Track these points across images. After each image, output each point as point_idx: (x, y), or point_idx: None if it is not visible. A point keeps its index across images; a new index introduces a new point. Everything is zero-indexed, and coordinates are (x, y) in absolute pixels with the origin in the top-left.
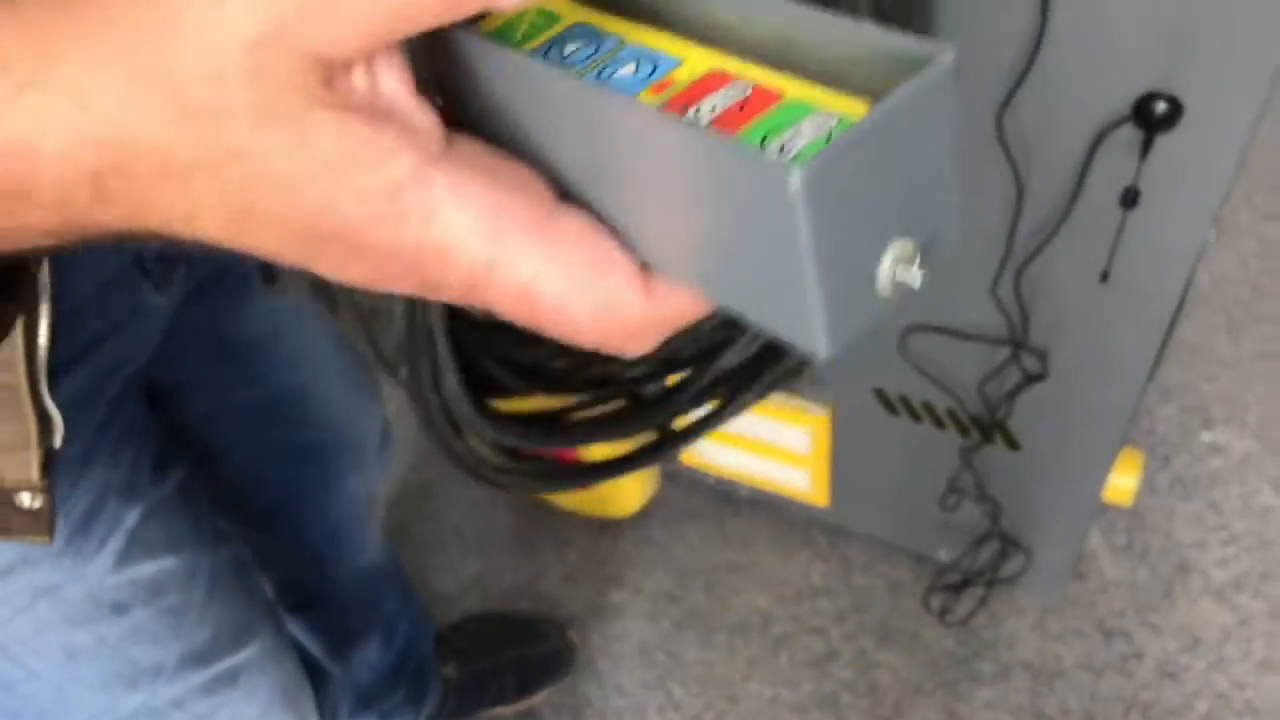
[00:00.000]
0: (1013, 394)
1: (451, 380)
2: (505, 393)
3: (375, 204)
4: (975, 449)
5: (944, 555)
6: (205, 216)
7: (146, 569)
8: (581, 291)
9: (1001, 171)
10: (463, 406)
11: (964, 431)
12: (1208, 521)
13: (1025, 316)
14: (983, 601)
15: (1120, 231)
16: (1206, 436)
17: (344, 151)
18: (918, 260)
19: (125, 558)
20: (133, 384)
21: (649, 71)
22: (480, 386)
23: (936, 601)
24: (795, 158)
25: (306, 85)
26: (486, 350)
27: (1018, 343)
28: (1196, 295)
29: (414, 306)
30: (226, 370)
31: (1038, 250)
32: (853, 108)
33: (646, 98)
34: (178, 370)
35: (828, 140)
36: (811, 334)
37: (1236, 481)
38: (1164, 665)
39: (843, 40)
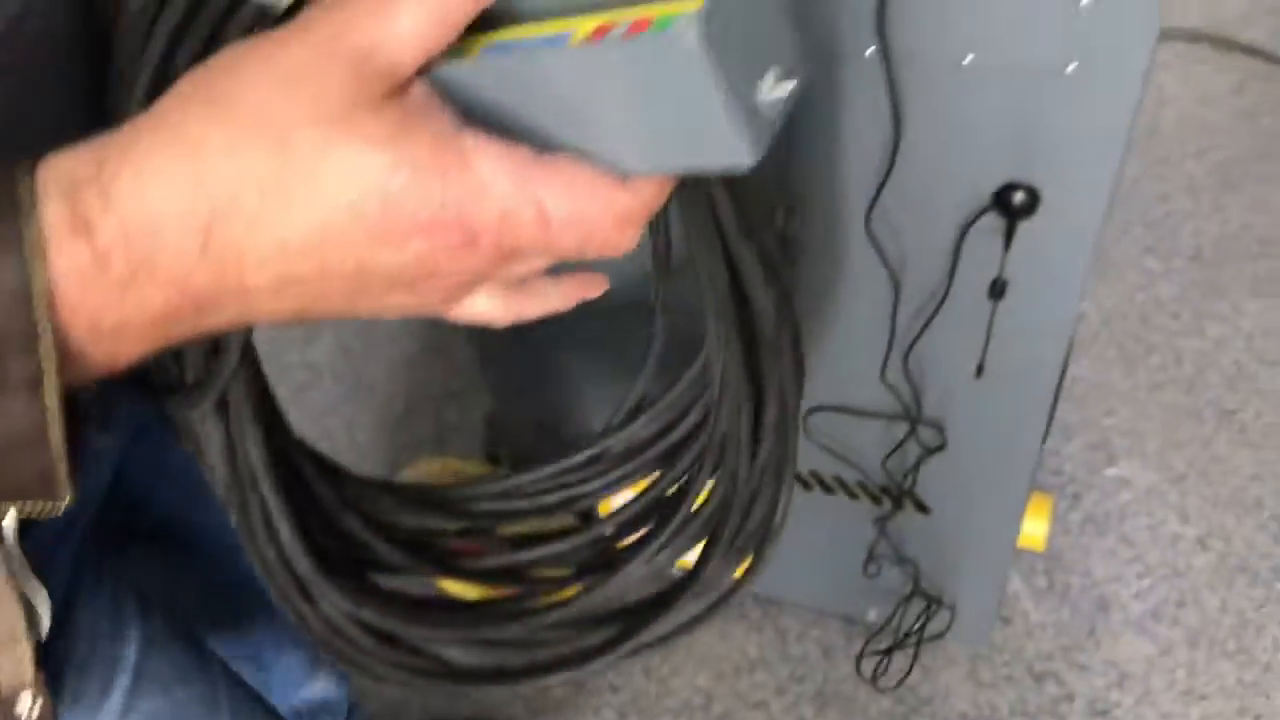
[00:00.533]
0: (916, 465)
1: (286, 532)
2: (381, 565)
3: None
4: (888, 516)
5: (873, 615)
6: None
7: (160, 704)
8: (585, 201)
9: (876, 268)
10: (302, 565)
11: (876, 500)
12: (1121, 555)
13: (917, 395)
14: (915, 658)
15: (991, 322)
16: (1112, 471)
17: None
18: (787, 81)
19: (136, 693)
20: (92, 529)
21: (557, 43)
22: (344, 550)
23: (869, 666)
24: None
25: (387, 110)
26: (355, 509)
27: (913, 419)
28: (1088, 331)
29: (232, 441)
30: (183, 495)
31: (918, 337)
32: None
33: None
34: (140, 508)
35: (686, 18)
36: (738, 150)
37: (1144, 513)
38: (1094, 704)
39: None
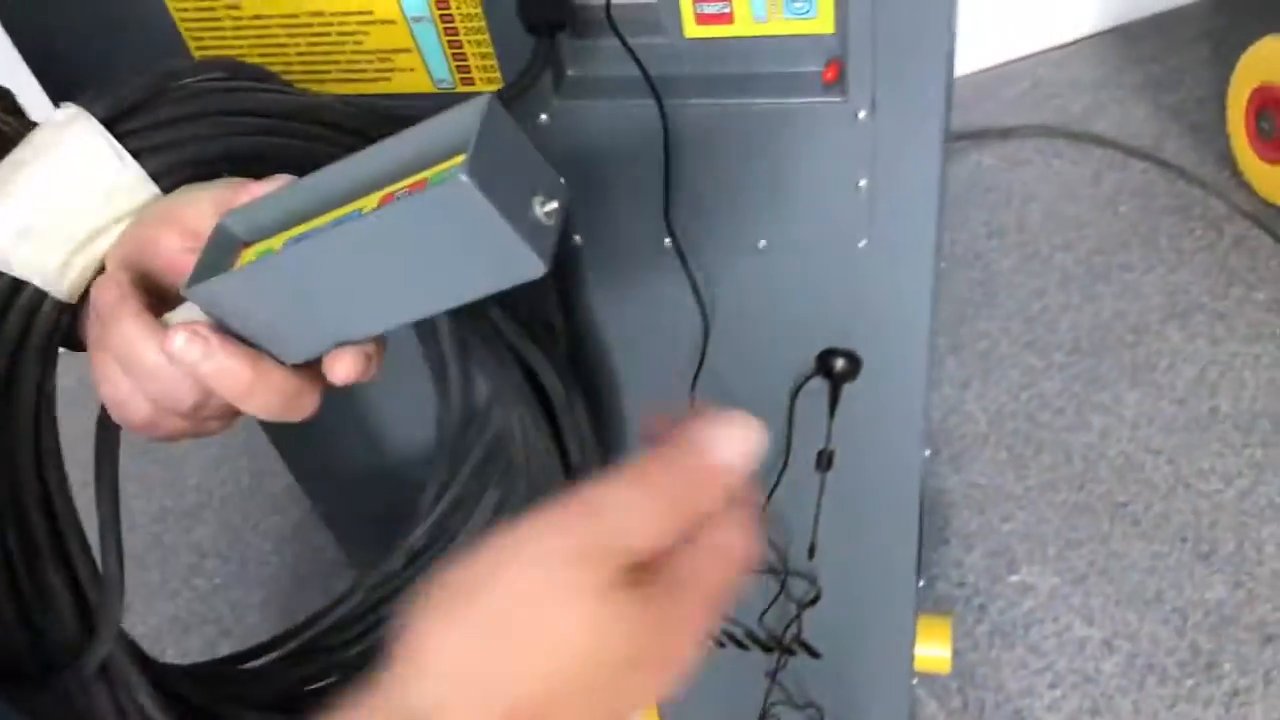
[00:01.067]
0: (797, 615)
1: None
2: None
3: None
4: (780, 666)
5: None
6: None
7: None
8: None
9: None
10: None
11: (767, 650)
12: (1031, 665)
13: (780, 551)
14: None
15: (821, 492)
16: (1014, 578)
17: None
18: (551, 202)
19: None
20: None
21: (353, 218)
22: None
23: None
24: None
25: None
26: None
27: (782, 573)
28: (977, 435)
29: (120, 701)
30: None
31: (768, 499)
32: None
33: (370, 213)
34: None
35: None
36: (531, 261)
37: (1050, 619)
38: None
39: (429, 137)
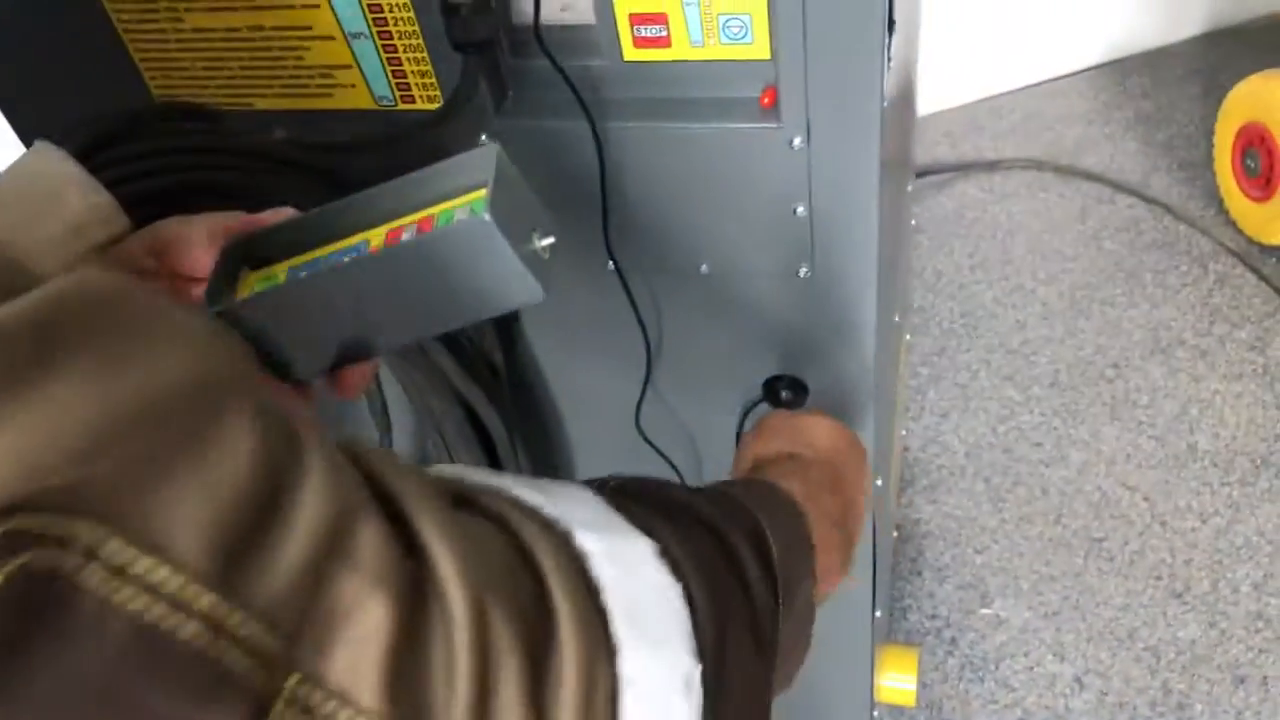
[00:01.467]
0: None
1: None
2: None
3: None
4: None
5: None
6: None
7: None
8: None
9: (658, 465)
10: None
11: None
12: (1000, 700)
13: None
14: None
15: None
16: (986, 611)
17: None
18: (547, 237)
19: None
20: None
21: (360, 251)
22: None
23: None
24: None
25: None
26: None
27: None
28: (954, 466)
29: None
30: None
31: None
32: (475, 195)
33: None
34: None
35: (472, 208)
36: (534, 288)
37: (1021, 653)
38: None
39: (440, 179)
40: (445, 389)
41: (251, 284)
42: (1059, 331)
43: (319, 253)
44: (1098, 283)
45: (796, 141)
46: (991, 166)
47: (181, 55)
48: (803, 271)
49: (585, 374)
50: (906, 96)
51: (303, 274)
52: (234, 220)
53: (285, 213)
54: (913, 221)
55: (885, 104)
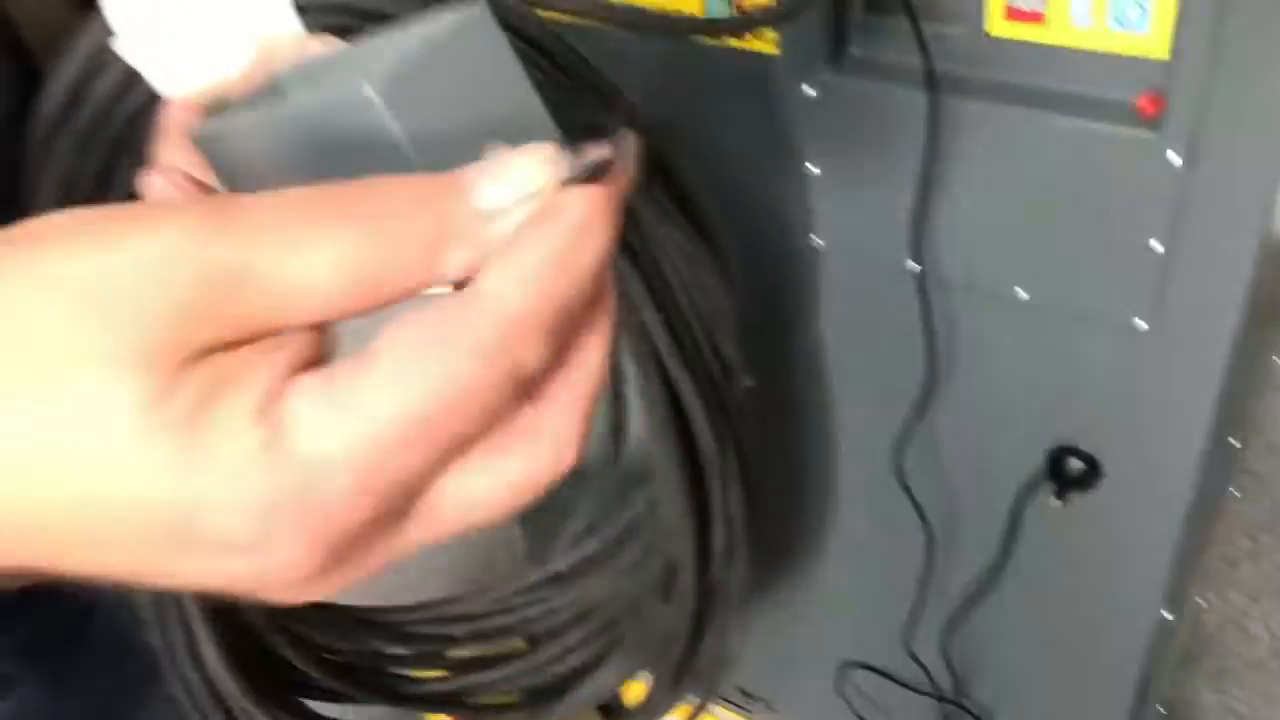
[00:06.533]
0: None
1: (212, 655)
2: (316, 691)
3: None
4: None
5: None
6: None
7: None
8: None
9: (908, 514)
10: (229, 689)
11: None
12: None
13: (956, 676)
14: None
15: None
16: None
17: None
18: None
19: None
20: None
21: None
22: (277, 675)
23: None
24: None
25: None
26: (287, 632)
27: (950, 701)
28: (1254, 658)
29: None
30: None
31: (960, 610)
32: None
33: None
34: None
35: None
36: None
37: None
38: None
39: (417, 38)
40: (652, 370)
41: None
42: None
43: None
44: None
45: (1176, 160)
46: None
47: None
48: (1139, 323)
49: (847, 384)
50: None
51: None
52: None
53: (337, 43)
54: None
55: None
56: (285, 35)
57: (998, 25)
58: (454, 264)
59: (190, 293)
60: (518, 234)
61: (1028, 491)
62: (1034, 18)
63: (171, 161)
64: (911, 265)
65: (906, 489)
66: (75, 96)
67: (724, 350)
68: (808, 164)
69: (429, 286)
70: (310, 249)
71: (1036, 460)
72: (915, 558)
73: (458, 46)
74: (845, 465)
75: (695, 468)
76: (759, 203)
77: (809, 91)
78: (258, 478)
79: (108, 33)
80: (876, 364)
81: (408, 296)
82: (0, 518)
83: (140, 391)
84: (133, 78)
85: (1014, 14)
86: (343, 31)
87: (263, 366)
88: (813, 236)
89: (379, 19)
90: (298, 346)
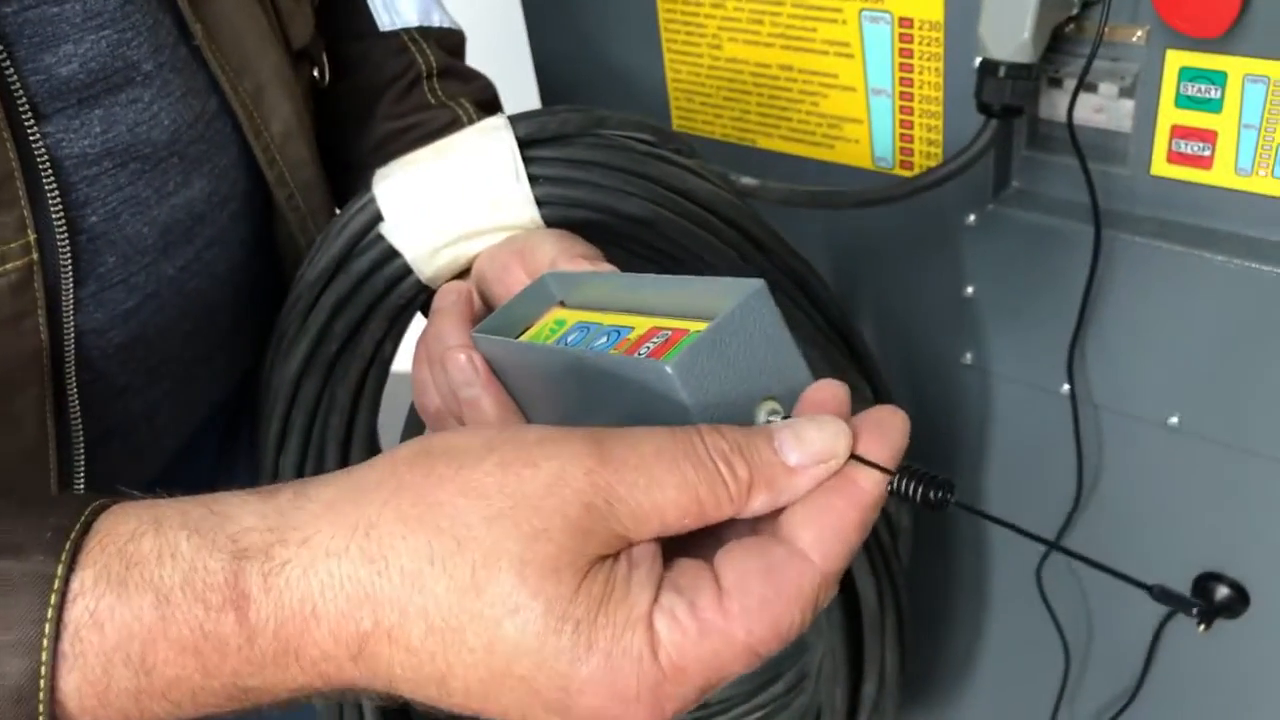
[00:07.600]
0: None
1: None
2: None
3: None
4: None
5: None
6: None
7: None
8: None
9: (1046, 630)
10: None
11: None
12: None
13: None
14: None
15: None
16: None
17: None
18: (781, 411)
19: None
20: None
21: (616, 337)
22: None
23: None
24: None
25: (593, 580)
26: None
27: None
28: None
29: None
30: None
31: None
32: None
33: (614, 351)
34: None
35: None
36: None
37: None
38: None
39: (704, 294)
40: None
41: (536, 331)
42: None
43: (598, 318)
44: None
45: None
46: None
47: (709, 82)
48: None
49: (994, 497)
50: None
51: (550, 345)
52: (575, 254)
53: (608, 268)
54: None
55: None
56: (520, 214)
57: (1161, 167)
58: (758, 505)
59: (578, 512)
60: (826, 498)
61: (1171, 615)
62: (1200, 162)
63: (464, 341)
64: (1065, 388)
65: (1047, 605)
66: (337, 268)
67: (891, 511)
68: (967, 287)
69: (735, 517)
70: (663, 486)
71: (1182, 584)
72: (1053, 677)
73: (741, 320)
74: (991, 580)
75: (855, 621)
76: (917, 321)
77: (970, 219)
78: (632, 672)
79: (375, 217)
80: (1022, 475)
81: (717, 521)
82: (420, 666)
83: (549, 593)
84: (388, 255)
85: (1177, 157)
86: (582, 226)
87: (638, 586)
88: (967, 356)
89: (626, 219)
90: (653, 562)
